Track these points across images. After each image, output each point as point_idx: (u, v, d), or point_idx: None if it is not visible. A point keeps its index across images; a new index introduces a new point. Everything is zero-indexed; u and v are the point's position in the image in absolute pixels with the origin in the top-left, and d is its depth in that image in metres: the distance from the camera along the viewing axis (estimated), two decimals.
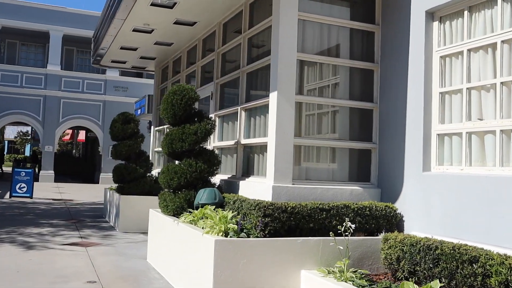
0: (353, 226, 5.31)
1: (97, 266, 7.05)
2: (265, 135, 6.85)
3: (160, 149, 12.19)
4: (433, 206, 5.79)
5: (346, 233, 5.28)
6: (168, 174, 6.97)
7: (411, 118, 6.25)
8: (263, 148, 6.91)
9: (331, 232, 5.28)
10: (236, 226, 5.37)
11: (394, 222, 6.19)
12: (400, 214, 6.26)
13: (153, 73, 13.51)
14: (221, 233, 5.29)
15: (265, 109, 6.87)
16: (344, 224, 5.29)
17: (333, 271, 5.02)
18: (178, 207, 6.80)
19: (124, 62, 12.40)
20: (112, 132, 11.16)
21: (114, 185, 12.48)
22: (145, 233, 10.25)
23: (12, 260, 7.22)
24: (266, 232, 5.48)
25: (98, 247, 8.59)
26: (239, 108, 7.54)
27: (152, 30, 9.29)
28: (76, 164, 34.97)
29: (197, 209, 6.54)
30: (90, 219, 12.43)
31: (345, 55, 6.87)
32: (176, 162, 7.42)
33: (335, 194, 6.45)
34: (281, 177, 6.20)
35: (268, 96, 6.70)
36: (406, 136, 6.30)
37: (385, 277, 5.42)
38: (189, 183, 6.92)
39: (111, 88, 30.48)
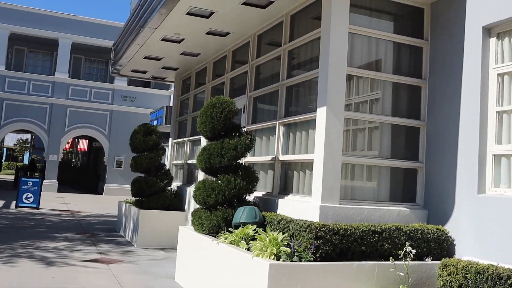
0: (413, 251, 5.02)
1: (125, 287, 6.70)
2: (306, 152, 6.57)
3: (179, 161, 11.89)
4: (490, 230, 5.49)
5: (407, 258, 4.98)
6: (205, 190, 6.65)
7: (464, 138, 5.97)
8: (304, 165, 6.61)
9: (391, 257, 4.98)
10: (288, 249, 5.05)
11: (446, 246, 5.89)
12: (451, 237, 5.96)
13: (172, 83, 13.23)
14: (273, 257, 4.97)
15: (307, 124, 6.59)
16: (404, 248, 5.00)
17: None
18: (215, 226, 6.48)
19: (145, 72, 12.12)
20: (133, 144, 10.84)
21: (129, 198, 12.15)
22: (165, 249, 9.94)
23: (35, 278, 6.87)
24: (317, 255, 5.17)
25: (121, 264, 8.23)
26: (277, 122, 7.25)
27: (182, 40, 9.02)
28: (79, 174, 34.55)
29: (236, 228, 6.23)
30: (104, 232, 12.06)
31: (392, 70, 6.61)
32: (207, 177, 7.11)
33: (383, 215, 6.15)
34: (328, 196, 5.90)
35: (311, 111, 6.43)
36: (458, 156, 6.02)
37: None
38: (226, 200, 6.60)
39: (118, 97, 30.21)
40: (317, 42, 6.41)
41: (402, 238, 5.60)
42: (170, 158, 12.56)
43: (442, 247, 5.86)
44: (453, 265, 5.06)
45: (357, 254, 5.41)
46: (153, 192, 10.53)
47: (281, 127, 7.19)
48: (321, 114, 5.96)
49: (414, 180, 6.60)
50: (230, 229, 6.22)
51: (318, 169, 5.93)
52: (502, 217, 5.35)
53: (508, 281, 4.44)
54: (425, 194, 6.53)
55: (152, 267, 8.18)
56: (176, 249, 9.70)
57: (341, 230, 5.35)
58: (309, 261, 5.09)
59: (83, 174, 33.77)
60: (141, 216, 10.18)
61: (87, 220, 14.82)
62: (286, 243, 5.22)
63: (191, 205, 10.14)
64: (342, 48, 5.97)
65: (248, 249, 5.45)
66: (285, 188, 7.02)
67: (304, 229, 5.32)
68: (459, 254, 5.83)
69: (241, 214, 6.28)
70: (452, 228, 5.99)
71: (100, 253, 9.16)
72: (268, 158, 7.44)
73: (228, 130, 6.80)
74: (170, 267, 8.14)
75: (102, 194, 27.37)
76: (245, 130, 8.12)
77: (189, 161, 11.28)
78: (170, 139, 12.69)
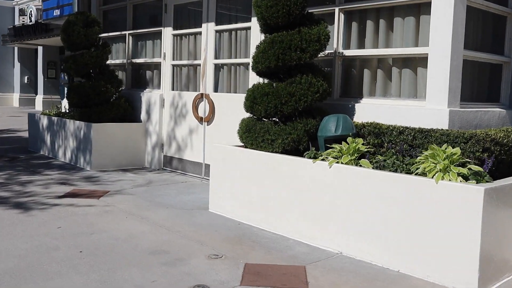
0: None
1: (170, 228, 5.00)
2: (413, 45, 5.24)
3: (117, 61, 9.52)
4: None
5: None
6: (276, 97, 5.03)
7: None
8: (404, 61, 5.31)
9: None
10: (479, 168, 3.91)
11: None
12: None
13: None
14: (458, 178, 3.80)
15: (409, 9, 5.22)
16: None
17: None
18: (295, 141, 5.00)
19: None
20: (70, 39, 8.22)
21: (40, 109, 9.58)
22: (129, 170, 8.11)
23: (35, 233, 4.77)
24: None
25: (113, 196, 6.30)
26: (336, 9, 5.71)
27: None
28: None
29: (327, 143, 4.87)
30: (23, 155, 9.48)
31: None
32: (262, 81, 5.43)
33: (490, 118, 5.29)
34: (453, 99, 4.82)
35: None
36: None
37: None
38: (306, 108, 5.10)
39: None
40: None
41: None
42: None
43: None
44: None
45: None
46: (103, 100, 8.28)
47: (341, 14, 5.67)
48: None
49: (498, 78, 5.81)
50: (329, 145, 4.81)
51: (441, 66, 4.74)
52: None
53: None
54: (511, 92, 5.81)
55: (152, 195, 6.40)
56: (142, 168, 8.10)
57: (499, 139, 4.38)
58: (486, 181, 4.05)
59: None
60: (94, 131, 7.98)
61: None
62: (471, 161, 4.07)
63: (154, 114, 8.25)
64: None
65: (398, 171, 4.18)
66: (371, 91, 5.64)
67: (465, 140, 4.21)
68: None
69: (336, 125, 4.89)
70: None
71: (63, 183, 6.98)
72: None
73: (303, 17, 5.13)
74: (181, 194, 6.48)
75: None
76: None
77: (137, 60, 9.05)
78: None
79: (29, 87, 26.32)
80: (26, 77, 26.08)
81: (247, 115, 5.62)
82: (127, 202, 6.04)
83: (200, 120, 7.58)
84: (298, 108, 5.00)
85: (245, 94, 5.44)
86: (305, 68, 5.11)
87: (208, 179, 7.22)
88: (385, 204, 4.04)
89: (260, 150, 5.17)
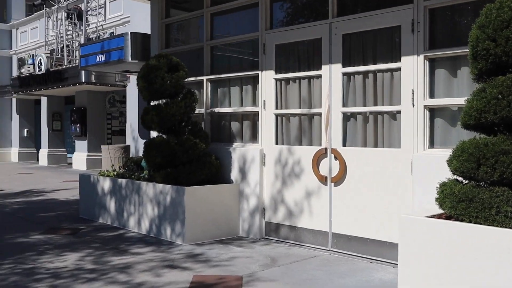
0: None
1: None
2: None
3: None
4: None
5: None
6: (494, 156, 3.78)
7: None
8: None
9: None
10: None
11: None
12: None
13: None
14: None
15: None
16: None
17: None
18: None
19: None
20: (152, 87, 6.89)
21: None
22: (227, 242, 6.74)
23: None
24: None
25: (258, 287, 4.87)
26: None
27: None
28: None
29: None
30: (83, 225, 7.97)
31: None
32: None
33: None
34: None
35: None
36: None
37: None
38: None
39: None
40: None
41: None
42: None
43: None
44: None
45: None
46: (192, 158, 6.92)
47: None
48: None
49: None
50: None
51: None
52: None
53: None
54: None
55: (301, 281, 4.99)
56: (239, 238, 7.06)
57: None
58: None
59: None
60: (187, 196, 6.58)
61: (16, 204, 10.23)
62: None
63: (252, 173, 6.96)
64: None
65: None
66: None
67: None
68: None
69: None
70: None
71: (170, 266, 5.52)
72: None
73: None
74: (334, 277, 5.09)
75: None
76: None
77: (220, 109, 7.76)
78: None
79: (29, 141, 24.65)
80: (25, 130, 24.45)
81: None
82: None
83: (324, 180, 6.27)
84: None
85: (452, 150, 4.20)
86: None
87: (338, 251, 6.14)
88: None
89: (496, 227, 3.88)
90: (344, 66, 6.16)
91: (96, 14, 17.99)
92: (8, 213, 9.22)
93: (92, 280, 5.02)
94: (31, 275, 5.18)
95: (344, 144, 6.19)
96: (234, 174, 7.27)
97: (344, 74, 6.18)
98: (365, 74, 6.04)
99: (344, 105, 6.18)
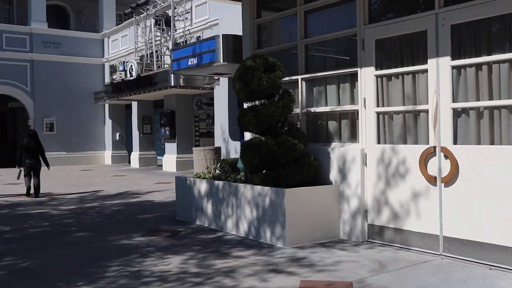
0: None
1: None
2: None
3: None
4: None
5: None
6: None
7: None
8: None
9: None
10: None
11: None
12: None
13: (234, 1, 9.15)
14: None
15: None
16: None
17: None
18: None
19: None
20: (248, 88, 6.84)
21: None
22: (329, 245, 6.51)
23: None
24: None
25: None
26: None
27: None
28: None
29: None
30: (181, 227, 8.08)
31: None
32: None
33: None
34: None
35: None
36: None
37: None
38: None
39: (39, 43, 24.51)
40: None
41: None
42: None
43: None
44: None
45: None
46: (290, 160, 6.78)
47: None
48: None
49: None
50: None
51: None
52: None
53: None
54: None
55: (416, 287, 4.70)
56: (340, 241, 6.74)
57: None
58: None
59: None
60: (287, 199, 6.45)
61: (115, 206, 10.68)
62: None
63: (352, 174, 6.70)
64: None
65: None
66: None
67: None
68: None
69: None
70: None
71: (275, 270, 5.41)
72: None
73: None
74: (453, 285, 4.73)
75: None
76: None
77: (316, 109, 7.57)
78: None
79: (121, 144, 25.76)
80: (117, 134, 25.57)
81: None
82: None
83: (433, 180, 5.90)
84: None
85: None
86: None
87: (450, 256, 5.73)
88: None
89: None
90: (453, 59, 5.76)
91: (183, 19, 18.42)
92: (109, 215, 9.57)
93: (199, 285, 5.01)
94: (139, 278, 5.26)
95: (455, 142, 5.78)
96: (333, 175, 7.04)
97: (453, 67, 5.77)
98: (478, 66, 5.60)
99: (454, 101, 5.78)
